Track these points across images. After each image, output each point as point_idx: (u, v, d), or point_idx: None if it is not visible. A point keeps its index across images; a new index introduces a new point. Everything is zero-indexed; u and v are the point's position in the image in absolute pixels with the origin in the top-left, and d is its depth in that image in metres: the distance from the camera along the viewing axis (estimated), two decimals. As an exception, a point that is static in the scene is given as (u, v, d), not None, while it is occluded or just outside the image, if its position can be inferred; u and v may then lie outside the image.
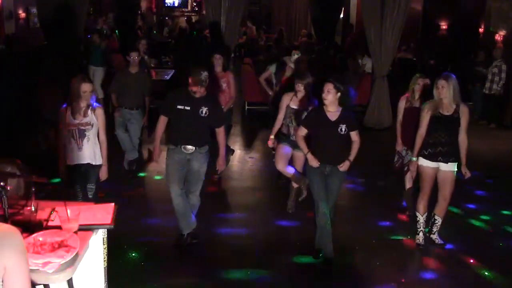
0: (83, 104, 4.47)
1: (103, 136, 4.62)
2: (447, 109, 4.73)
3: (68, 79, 4.63)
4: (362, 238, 5.27)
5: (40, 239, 2.70)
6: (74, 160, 4.58)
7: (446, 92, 4.66)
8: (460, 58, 11.41)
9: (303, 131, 4.70)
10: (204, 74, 4.51)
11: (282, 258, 4.87)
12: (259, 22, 19.93)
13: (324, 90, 4.50)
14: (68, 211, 2.90)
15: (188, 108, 4.60)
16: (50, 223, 3.02)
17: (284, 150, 5.58)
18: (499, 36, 10.97)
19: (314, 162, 4.58)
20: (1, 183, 2.77)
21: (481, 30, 12.21)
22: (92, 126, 4.53)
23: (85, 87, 4.42)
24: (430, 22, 13.86)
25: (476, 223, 5.73)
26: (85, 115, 4.49)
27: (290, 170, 5.63)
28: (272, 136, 5.72)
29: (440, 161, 4.80)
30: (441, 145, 4.77)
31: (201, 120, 4.63)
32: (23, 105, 8.61)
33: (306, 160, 4.76)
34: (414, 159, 4.93)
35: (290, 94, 5.52)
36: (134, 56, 6.49)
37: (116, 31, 13.78)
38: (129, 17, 13.93)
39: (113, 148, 6.49)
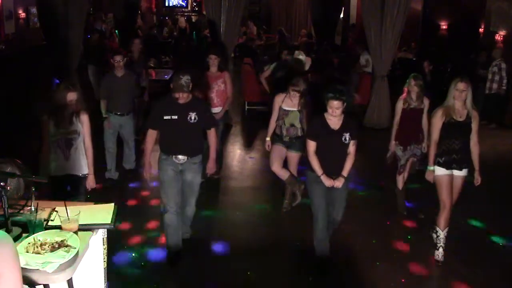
0: (67, 113, 4.29)
1: (88, 143, 4.44)
2: (460, 115, 4.60)
3: (68, 79, 4.57)
4: (362, 238, 5.27)
5: (40, 239, 2.70)
6: (61, 170, 4.37)
7: (466, 95, 4.53)
8: (460, 58, 11.41)
9: (312, 145, 4.42)
10: (185, 79, 4.26)
11: (282, 258, 4.87)
12: (259, 22, 19.93)
13: (332, 108, 4.24)
14: (68, 211, 2.90)
15: (176, 117, 4.37)
16: (50, 223, 3.02)
17: (278, 150, 5.58)
18: (499, 36, 10.97)
19: (328, 182, 4.35)
20: (1, 183, 2.78)
21: (481, 30, 12.21)
22: (79, 134, 4.38)
23: (71, 96, 4.27)
24: (430, 22, 13.87)
25: (476, 223, 5.73)
26: (70, 123, 4.32)
27: (285, 173, 5.63)
28: (268, 138, 5.71)
29: (454, 168, 4.68)
30: (455, 152, 4.64)
31: (191, 127, 4.42)
32: (23, 104, 8.61)
33: (307, 173, 4.53)
34: (431, 168, 4.73)
35: (281, 95, 5.47)
36: (118, 59, 6.24)
37: (116, 31, 13.80)
38: (129, 17, 13.94)
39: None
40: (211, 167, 4.79)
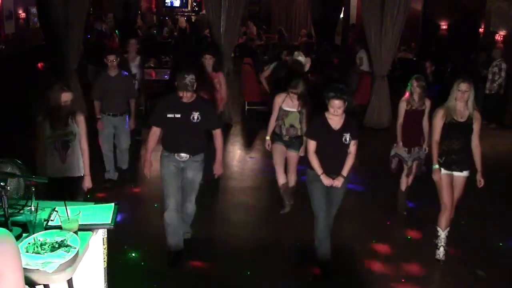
0: (62, 114, 4.20)
1: (84, 144, 4.35)
2: (461, 115, 4.55)
3: (62, 79, 4.43)
4: (362, 238, 5.27)
5: (40, 239, 2.70)
6: (58, 173, 4.28)
7: (468, 95, 4.48)
8: (460, 58, 11.41)
9: (312, 145, 4.39)
10: (190, 78, 4.21)
11: (282, 258, 4.87)
12: (259, 22, 19.92)
13: (334, 108, 4.21)
14: (68, 211, 2.90)
15: (179, 115, 4.36)
16: (50, 223, 3.03)
17: (280, 150, 5.57)
18: (499, 36, 10.97)
19: (327, 181, 4.33)
20: (1, 183, 2.78)
21: (481, 30, 12.21)
22: (75, 135, 4.28)
23: (66, 96, 4.17)
24: (430, 22, 13.87)
25: (476, 223, 5.72)
26: (66, 124, 4.24)
27: (283, 180, 5.65)
28: (267, 138, 5.69)
29: (454, 169, 4.64)
30: (454, 153, 4.60)
31: (194, 126, 4.40)
32: (23, 104, 8.61)
33: (307, 171, 4.50)
34: (436, 167, 4.67)
35: (282, 95, 5.45)
36: (112, 59, 6.08)
37: (116, 31, 13.80)
38: (129, 17, 13.94)
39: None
40: (218, 168, 4.74)
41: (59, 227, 2.88)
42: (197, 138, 4.51)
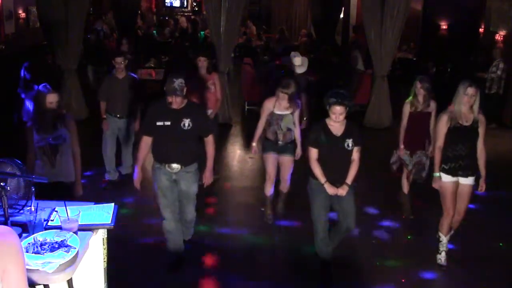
0: (49, 117, 4.06)
1: (75, 148, 4.22)
2: (467, 119, 4.46)
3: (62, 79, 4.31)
4: (362, 238, 5.27)
5: (40, 239, 2.71)
6: (48, 178, 4.00)
7: (475, 100, 4.39)
8: (460, 58, 11.41)
9: (314, 153, 4.23)
10: (178, 82, 4.01)
11: (282, 258, 4.87)
12: (259, 22, 19.91)
13: (335, 114, 4.08)
14: (68, 211, 2.90)
15: (168, 123, 4.15)
16: (50, 223, 3.03)
17: (273, 159, 5.37)
18: (499, 36, 10.96)
19: (332, 190, 4.20)
20: (1, 183, 2.78)
21: (481, 30, 12.20)
22: (65, 140, 4.15)
23: (51, 97, 4.05)
24: (430, 22, 13.85)
25: (476, 223, 5.72)
26: (54, 128, 4.09)
27: (269, 194, 5.54)
28: (254, 144, 5.49)
29: (460, 175, 4.55)
30: (461, 158, 4.50)
31: (184, 134, 4.18)
32: (23, 105, 8.60)
33: (309, 180, 4.36)
34: (437, 175, 4.58)
35: (272, 99, 5.22)
36: (119, 61, 6.06)
37: (116, 31, 13.80)
38: (129, 17, 13.93)
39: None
40: (207, 177, 4.52)
41: (59, 227, 2.88)
42: (189, 147, 4.29)
